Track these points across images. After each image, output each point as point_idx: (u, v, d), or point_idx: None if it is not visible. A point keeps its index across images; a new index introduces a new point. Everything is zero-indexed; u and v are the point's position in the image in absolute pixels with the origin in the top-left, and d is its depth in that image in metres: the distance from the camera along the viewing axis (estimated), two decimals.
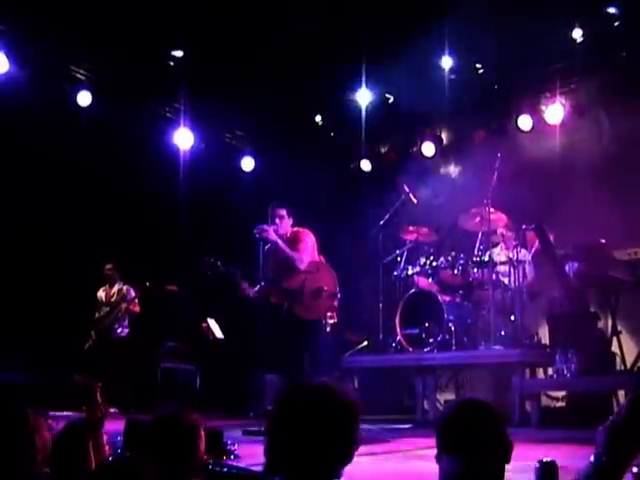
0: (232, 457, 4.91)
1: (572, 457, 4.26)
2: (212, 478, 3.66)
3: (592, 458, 2.09)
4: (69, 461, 3.23)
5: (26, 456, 3.05)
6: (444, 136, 12.23)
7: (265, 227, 7.57)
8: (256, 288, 7.72)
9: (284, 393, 2.58)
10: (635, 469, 2.50)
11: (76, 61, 10.72)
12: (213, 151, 12.47)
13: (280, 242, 7.59)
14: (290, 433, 2.42)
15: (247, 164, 12.87)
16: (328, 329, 9.15)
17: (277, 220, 7.72)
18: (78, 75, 10.74)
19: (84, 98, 10.67)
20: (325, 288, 7.56)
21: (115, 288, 11.25)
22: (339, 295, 7.73)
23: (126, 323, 11.19)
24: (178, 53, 10.73)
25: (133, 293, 11.13)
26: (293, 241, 7.71)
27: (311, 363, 7.46)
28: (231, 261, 8.01)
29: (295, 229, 7.85)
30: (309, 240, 7.78)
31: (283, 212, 7.78)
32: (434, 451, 2.61)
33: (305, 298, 7.54)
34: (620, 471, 2.06)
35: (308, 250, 7.70)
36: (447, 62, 10.74)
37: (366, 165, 12.77)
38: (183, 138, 11.79)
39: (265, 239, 7.59)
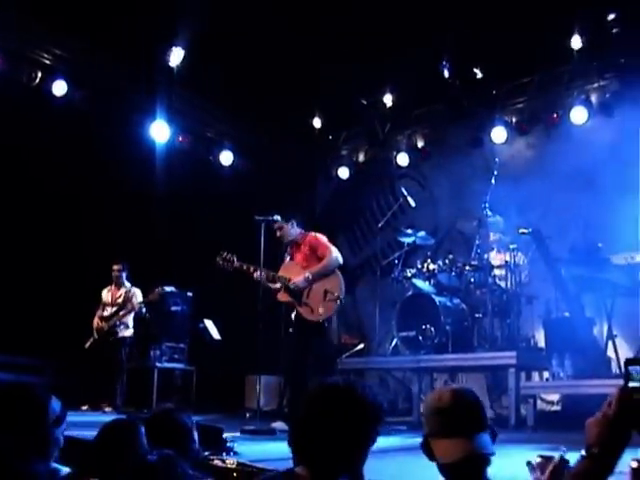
0: (232, 454, 4.96)
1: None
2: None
3: (583, 451, 2.11)
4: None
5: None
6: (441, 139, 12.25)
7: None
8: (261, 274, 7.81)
9: (315, 390, 2.69)
10: (635, 464, 2.52)
11: (47, 47, 10.54)
12: (191, 145, 12.38)
13: (310, 276, 7.69)
14: (314, 429, 2.55)
15: (226, 159, 12.74)
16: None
17: (277, 234, 7.90)
18: (50, 62, 10.55)
19: (59, 87, 10.49)
20: (329, 291, 7.63)
21: (122, 290, 11.04)
22: (342, 300, 7.79)
23: (130, 324, 11.07)
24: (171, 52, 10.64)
25: (141, 298, 11.04)
26: (314, 249, 7.82)
27: (313, 364, 7.53)
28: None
29: (307, 236, 7.94)
30: (326, 240, 7.92)
31: (276, 226, 7.92)
32: None
33: (309, 299, 7.63)
34: (611, 462, 2.07)
35: (330, 247, 7.83)
36: (446, 66, 10.82)
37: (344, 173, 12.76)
38: (159, 131, 11.50)
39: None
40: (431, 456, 2.70)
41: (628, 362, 2.12)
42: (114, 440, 3.40)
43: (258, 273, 7.76)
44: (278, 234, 7.95)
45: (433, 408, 2.75)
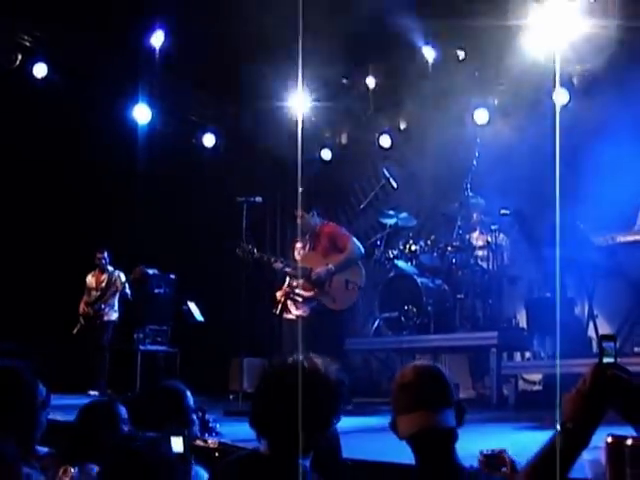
0: (214, 434, 5.00)
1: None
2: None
3: (558, 426, 2.14)
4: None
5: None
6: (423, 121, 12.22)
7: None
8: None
9: (272, 368, 2.73)
10: (610, 439, 2.55)
11: (27, 29, 10.38)
12: (174, 127, 12.28)
13: (333, 268, 7.68)
14: (271, 404, 2.62)
15: (208, 141, 12.65)
16: None
17: (298, 221, 8.04)
18: (30, 44, 10.42)
19: (40, 70, 10.41)
20: (350, 281, 7.67)
21: (105, 274, 11.11)
22: (362, 287, 7.86)
23: (116, 307, 11.07)
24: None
25: (123, 278, 11.07)
26: (334, 240, 7.82)
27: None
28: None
29: (325, 226, 7.95)
30: (345, 231, 7.94)
31: (297, 214, 7.94)
32: None
33: (330, 288, 7.65)
34: (584, 437, 2.10)
35: (350, 237, 7.84)
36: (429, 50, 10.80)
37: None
38: (141, 113, 11.38)
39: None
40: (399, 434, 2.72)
41: (602, 338, 2.14)
42: (93, 421, 3.42)
43: (278, 263, 7.80)
44: (298, 221, 7.97)
45: (398, 385, 2.77)
